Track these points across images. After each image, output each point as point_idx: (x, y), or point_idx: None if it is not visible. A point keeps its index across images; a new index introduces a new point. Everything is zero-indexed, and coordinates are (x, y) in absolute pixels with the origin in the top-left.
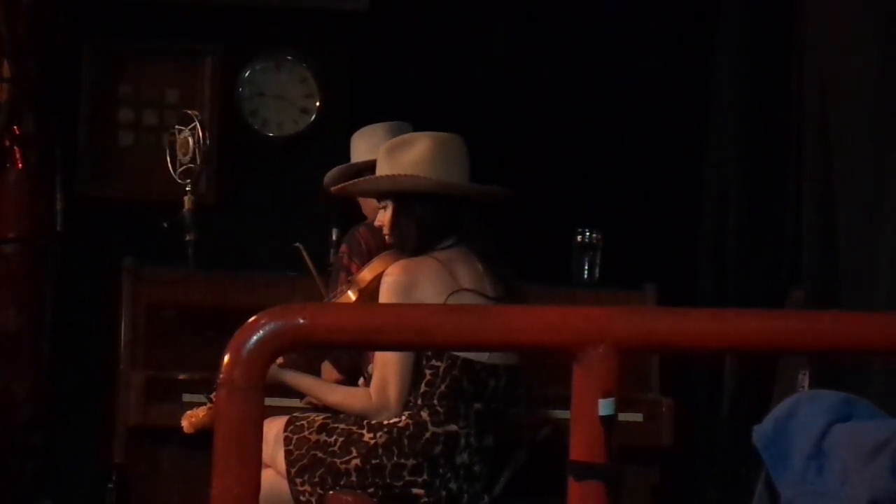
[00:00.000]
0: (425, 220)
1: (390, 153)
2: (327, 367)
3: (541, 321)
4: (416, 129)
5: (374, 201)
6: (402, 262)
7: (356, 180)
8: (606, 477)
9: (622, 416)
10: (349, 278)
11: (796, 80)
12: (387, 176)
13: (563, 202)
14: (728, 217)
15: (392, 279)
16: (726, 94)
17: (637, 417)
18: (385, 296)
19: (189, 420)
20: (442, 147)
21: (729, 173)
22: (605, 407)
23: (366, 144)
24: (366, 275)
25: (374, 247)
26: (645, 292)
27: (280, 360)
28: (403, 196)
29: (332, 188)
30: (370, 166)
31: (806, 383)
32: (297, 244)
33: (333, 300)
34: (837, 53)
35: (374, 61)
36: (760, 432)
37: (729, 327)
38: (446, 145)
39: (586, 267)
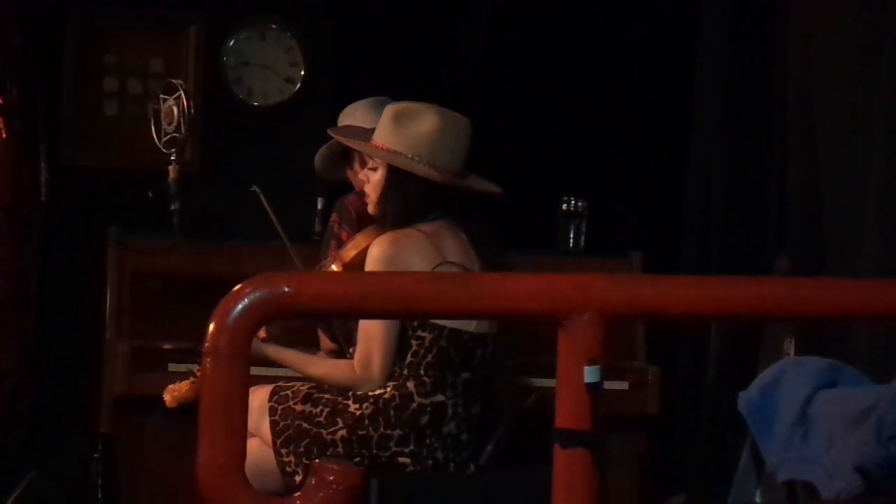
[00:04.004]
0: (413, 197)
1: (397, 121)
2: (320, 337)
3: (526, 288)
4: (399, 101)
5: (362, 175)
6: (388, 235)
7: (357, 141)
8: (592, 444)
9: (608, 385)
10: (338, 248)
11: (781, 51)
12: (386, 149)
13: (548, 170)
14: (713, 185)
15: (378, 251)
16: (712, 64)
17: (623, 386)
18: (371, 268)
19: (171, 394)
20: (446, 129)
21: (714, 141)
22: (590, 374)
23: (349, 123)
24: (350, 249)
25: (364, 214)
26: (630, 260)
27: (262, 333)
28: (397, 170)
29: (331, 130)
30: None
31: (791, 350)
32: (254, 187)
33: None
34: (821, 26)
35: (359, 30)
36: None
37: (714, 294)
38: (451, 128)
39: (572, 235)
